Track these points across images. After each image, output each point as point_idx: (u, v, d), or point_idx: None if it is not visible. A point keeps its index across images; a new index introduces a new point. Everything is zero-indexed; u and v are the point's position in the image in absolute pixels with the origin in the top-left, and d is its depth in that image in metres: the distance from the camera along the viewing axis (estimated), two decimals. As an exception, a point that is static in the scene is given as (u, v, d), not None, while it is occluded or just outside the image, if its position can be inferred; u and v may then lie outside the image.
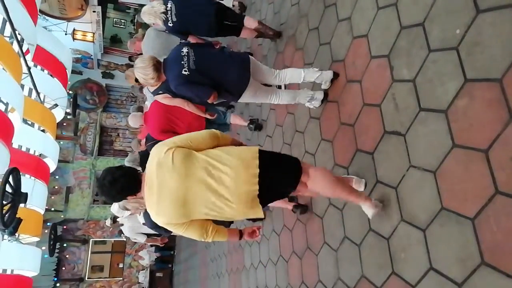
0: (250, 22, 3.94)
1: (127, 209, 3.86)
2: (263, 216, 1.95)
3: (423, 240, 1.87)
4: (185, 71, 2.63)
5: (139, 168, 4.06)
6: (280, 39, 4.07)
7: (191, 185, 1.78)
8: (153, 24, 3.73)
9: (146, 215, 3.59)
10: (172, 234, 6.00)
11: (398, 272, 2.04)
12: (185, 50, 2.69)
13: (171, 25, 3.55)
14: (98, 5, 10.32)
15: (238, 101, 2.96)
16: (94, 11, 10.47)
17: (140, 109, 5.38)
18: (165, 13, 3.49)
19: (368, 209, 2.16)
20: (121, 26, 15.55)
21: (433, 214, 1.82)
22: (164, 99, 2.97)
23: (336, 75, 2.88)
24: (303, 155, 3.24)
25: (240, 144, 2.10)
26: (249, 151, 1.89)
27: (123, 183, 1.83)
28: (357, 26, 2.68)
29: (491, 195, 1.55)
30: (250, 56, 2.90)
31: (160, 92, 2.95)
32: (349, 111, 2.67)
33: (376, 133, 2.32)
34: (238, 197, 1.80)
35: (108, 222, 6.11)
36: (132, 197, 1.91)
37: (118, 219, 5.86)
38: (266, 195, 1.86)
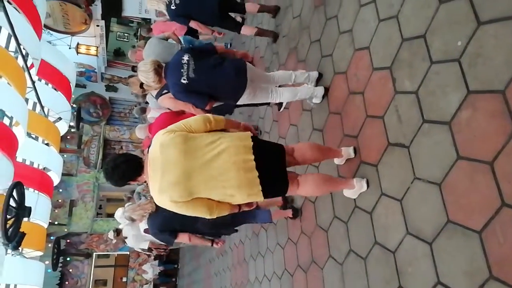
0: (251, 7, 4.16)
1: (132, 220, 3.88)
2: (262, 198, 2.01)
3: (429, 253, 1.84)
4: (184, 79, 2.71)
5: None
6: (277, 44, 4.12)
7: (193, 160, 1.90)
8: (157, 10, 3.83)
9: (150, 220, 3.62)
10: (174, 247, 5.97)
11: (405, 287, 2.00)
12: (186, 58, 2.76)
13: (173, 7, 3.63)
14: (102, 19, 10.44)
15: (238, 103, 3.03)
16: (97, 25, 10.60)
17: (143, 110, 5.44)
18: None
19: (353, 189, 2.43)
20: (125, 39, 15.71)
21: (439, 227, 1.80)
22: (169, 99, 3.06)
23: (326, 90, 3.03)
24: (306, 168, 3.23)
25: (236, 126, 2.26)
26: (241, 133, 2.12)
27: (125, 168, 1.99)
28: (358, 38, 2.69)
29: (497, 207, 1.53)
30: (246, 62, 2.96)
31: (164, 92, 3.07)
32: (352, 123, 2.67)
33: (380, 145, 2.31)
34: (235, 168, 1.92)
35: (111, 235, 6.05)
36: (135, 181, 2.04)
37: (120, 226, 5.83)
38: (263, 168, 1.97)
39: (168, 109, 3.46)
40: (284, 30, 4.08)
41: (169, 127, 2.03)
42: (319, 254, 2.96)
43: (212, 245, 3.91)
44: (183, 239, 3.68)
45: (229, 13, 4.03)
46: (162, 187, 1.90)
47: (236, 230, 3.93)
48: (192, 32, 4.71)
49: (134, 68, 8.91)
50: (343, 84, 2.83)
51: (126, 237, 5.63)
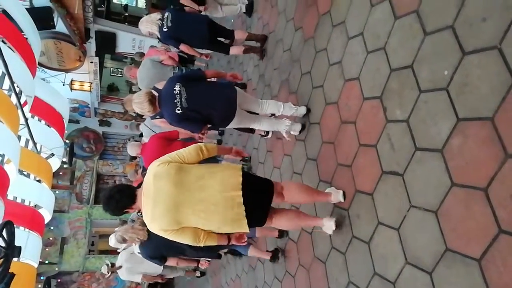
0: (240, 34, 4.33)
1: (124, 240, 3.92)
2: (247, 230, 2.12)
3: (430, 283, 1.81)
4: (178, 110, 2.87)
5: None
6: (264, 61, 4.27)
7: (183, 193, 2.02)
8: (149, 33, 4.00)
9: (143, 246, 3.85)
10: (169, 277, 5.87)
11: (407, 319, 1.95)
12: (177, 88, 2.89)
13: (165, 30, 3.78)
14: (96, 56, 10.59)
15: (227, 127, 3.24)
16: (91, 62, 10.73)
17: (138, 126, 5.51)
18: (161, 19, 3.78)
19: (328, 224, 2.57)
20: (118, 75, 15.89)
21: (438, 255, 1.78)
22: (161, 122, 3.31)
23: (303, 127, 3.30)
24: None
25: (228, 152, 2.48)
26: (232, 166, 2.22)
27: (118, 198, 2.12)
28: (348, 70, 2.76)
29: (494, 234, 1.52)
30: (236, 88, 3.11)
31: (158, 117, 3.35)
32: (346, 152, 2.68)
33: (374, 174, 2.31)
34: (223, 203, 2.03)
35: (105, 269, 5.85)
36: (131, 209, 2.15)
37: (118, 250, 5.67)
38: (249, 203, 2.07)
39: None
40: (276, 63, 4.17)
41: (163, 158, 2.13)
42: (318, 287, 2.89)
43: (197, 265, 4.60)
44: (171, 263, 4.21)
45: (218, 37, 4.22)
46: (153, 215, 2.03)
47: (220, 256, 4.54)
48: (184, 61, 4.84)
49: (125, 113, 9.04)
50: (335, 114, 2.87)
51: (120, 266, 5.47)
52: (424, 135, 1.95)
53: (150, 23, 3.84)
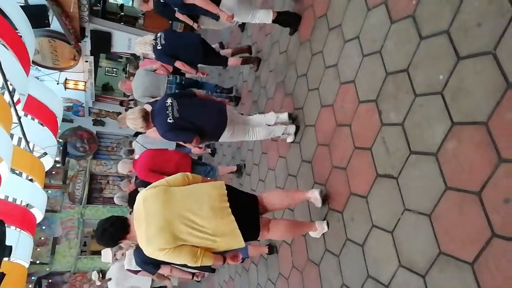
0: (233, 61, 4.46)
1: (120, 247, 3.99)
2: (243, 244, 2.19)
3: (423, 286, 1.82)
4: (170, 119, 2.96)
5: (126, 205, 4.76)
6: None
7: (173, 209, 2.10)
8: (143, 54, 4.13)
9: (136, 252, 3.92)
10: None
11: (400, 322, 1.96)
12: (169, 101, 3.03)
13: (159, 48, 3.86)
14: (91, 55, 10.52)
15: (219, 140, 3.29)
16: (86, 61, 10.65)
17: (131, 143, 5.54)
18: (155, 39, 3.90)
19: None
20: (113, 74, 15.81)
21: (431, 259, 1.78)
22: (154, 132, 3.30)
23: (298, 128, 3.37)
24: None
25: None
26: (216, 182, 2.36)
27: (112, 231, 2.18)
28: (344, 73, 2.77)
29: (488, 238, 1.53)
30: (226, 105, 3.28)
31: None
32: (341, 155, 2.69)
33: (369, 177, 2.32)
34: (211, 212, 2.12)
35: (95, 276, 5.78)
36: (125, 240, 2.21)
37: (109, 264, 5.64)
38: (238, 214, 2.17)
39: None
40: (271, 65, 4.17)
41: (151, 185, 2.26)
42: (312, 289, 2.89)
43: (192, 277, 4.43)
44: (165, 271, 4.02)
45: (212, 50, 4.25)
46: (148, 237, 2.06)
47: (213, 270, 4.51)
48: (177, 73, 4.85)
49: (122, 103, 9.00)
50: (330, 116, 2.88)
51: (110, 279, 5.44)
52: (419, 139, 1.96)
53: (144, 45, 3.95)
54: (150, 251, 2.09)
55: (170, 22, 8.99)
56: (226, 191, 2.23)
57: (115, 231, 2.18)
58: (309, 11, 3.40)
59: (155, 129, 3.16)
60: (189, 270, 4.25)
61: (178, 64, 3.95)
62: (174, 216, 2.07)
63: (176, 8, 3.80)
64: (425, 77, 1.97)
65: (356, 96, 2.56)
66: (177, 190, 2.20)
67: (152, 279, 5.26)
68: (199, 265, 2.14)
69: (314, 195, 2.64)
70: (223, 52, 4.59)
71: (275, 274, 3.52)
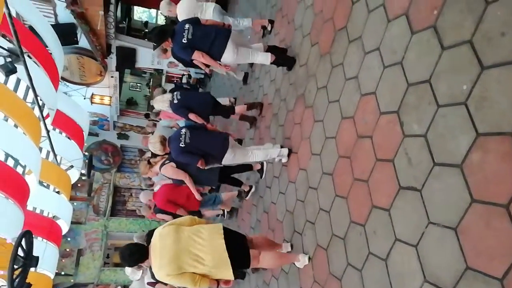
0: (239, 108, 5.14)
1: (140, 266, 4.18)
2: (232, 278, 2.74)
3: (450, 303, 1.75)
4: (182, 144, 3.79)
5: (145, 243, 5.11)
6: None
7: (182, 244, 2.71)
8: (161, 110, 5.13)
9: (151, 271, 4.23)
10: None
11: None
12: (183, 131, 3.87)
13: (176, 102, 4.52)
14: (116, 70, 10.87)
15: (222, 163, 3.99)
16: (112, 76, 11.01)
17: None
18: (172, 96, 4.60)
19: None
20: (137, 89, 16.26)
21: (458, 274, 1.73)
22: (170, 168, 4.33)
23: (290, 151, 3.94)
24: (317, 213, 3.18)
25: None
26: (215, 224, 2.95)
27: (137, 257, 2.82)
28: (364, 84, 2.76)
29: (517, 252, 1.47)
30: (228, 137, 3.99)
31: (166, 162, 4.40)
32: (362, 167, 2.65)
33: (391, 189, 2.28)
34: (211, 248, 2.72)
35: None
36: (144, 263, 2.84)
37: (130, 277, 5.76)
38: (231, 249, 2.73)
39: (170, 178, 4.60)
40: (292, 78, 4.19)
41: (166, 223, 2.91)
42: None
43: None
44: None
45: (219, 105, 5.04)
46: (161, 264, 2.67)
47: None
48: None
49: (147, 116, 9.23)
50: (351, 128, 2.85)
51: None
52: (442, 150, 1.92)
53: (162, 102, 4.62)
54: (160, 275, 2.68)
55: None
56: (222, 231, 2.80)
57: (136, 257, 2.81)
58: (329, 24, 3.42)
59: (169, 165, 4.28)
60: None
61: (191, 116, 4.51)
62: (182, 251, 2.67)
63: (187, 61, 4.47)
64: (447, 87, 1.94)
65: (377, 108, 2.54)
66: (186, 229, 2.82)
67: None
68: (198, 287, 2.66)
69: (303, 260, 3.22)
70: (237, 109, 5.16)
71: (296, 289, 3.47)
